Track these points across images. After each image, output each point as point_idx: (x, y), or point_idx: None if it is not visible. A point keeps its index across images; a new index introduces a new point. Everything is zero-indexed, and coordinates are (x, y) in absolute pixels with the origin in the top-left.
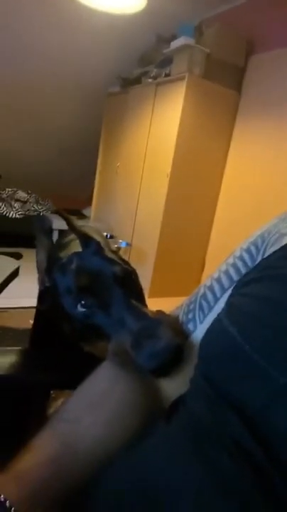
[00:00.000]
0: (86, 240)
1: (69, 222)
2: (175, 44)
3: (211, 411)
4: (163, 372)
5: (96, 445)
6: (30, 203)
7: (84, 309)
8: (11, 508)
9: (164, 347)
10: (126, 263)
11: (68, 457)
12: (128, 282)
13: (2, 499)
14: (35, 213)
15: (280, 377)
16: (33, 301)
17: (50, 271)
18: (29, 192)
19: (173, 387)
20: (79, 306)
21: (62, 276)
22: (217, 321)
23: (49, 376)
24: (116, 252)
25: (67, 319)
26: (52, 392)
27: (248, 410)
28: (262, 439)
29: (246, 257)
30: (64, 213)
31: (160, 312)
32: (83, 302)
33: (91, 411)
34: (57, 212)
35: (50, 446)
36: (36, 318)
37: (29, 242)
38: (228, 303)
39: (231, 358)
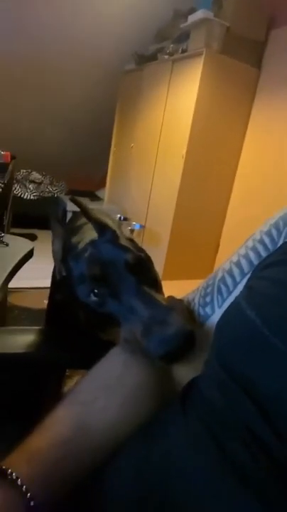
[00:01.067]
0: (101, 228)
1: (83, 210)
2: (192, 18)
3: (225, 397)
4: (173, 359)
5: (109, 428)
6: (44, 184)
7: (96, 298)
8: (22, 486)
9: (174, 333)
10: (141, 250)
11: (81, 439)
12: (141, 270)
13: (14, 477)
14: (50, 195)
15: None
16: (46, 282)
17: (65, 260)
18: (43, 173)
19: (186, 370)
20: (91, 294)
21: (76, 266)
22: (235, 303)
23: (64, 355)
24: (131, 239)
25: (82, 308)
26: (67, 370)
27: (263, 395)
28: (276, 427)
29: (266, 240)
30: (78, 200)
31: (171, 298)
32: (95, 291)
33: (104, 394)
34: (71, 198)
35: (63, 427)
36: (50, 299)
37: (43, 224)
38: (247, 286)
39: (248, 341)
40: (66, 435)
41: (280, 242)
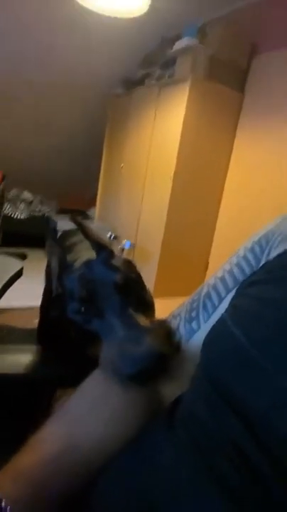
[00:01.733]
0: (99, 247)
1: (83, 230)
2: (178, 45)
3: (213, 415)
4: (143, 380)
5: (96, 446)
6: (35, 203)
7: (82, 316)
8: (6, 508)
9: (144, 353)
10: (135, 272)
11: (69, 456)
12: (130, 291)
13: None
14: (40, 214)
15: (285, 380)
16: (36, 301)
17: (60, 278)
18: (34, 193)
19: (173, 386)
20: (79, 312)
21: (69, 284)
22: (221, 321)
23: (54, 373)
24: (129, 260)
25: (72, 324)
26: (58, 392)
27: (251, 414)
28: (265, 446)
29: (250, 256)
30: (78, 220)
31: (158, 321)
32: (82, 309)
33: (89, 413)
34: (71, 218)
35: (50, 445)
36: (42, 317)
37: (34, 243)
38: (232, 304)
39: (234, 360)
40: (53, 453)
41: (263, 260)
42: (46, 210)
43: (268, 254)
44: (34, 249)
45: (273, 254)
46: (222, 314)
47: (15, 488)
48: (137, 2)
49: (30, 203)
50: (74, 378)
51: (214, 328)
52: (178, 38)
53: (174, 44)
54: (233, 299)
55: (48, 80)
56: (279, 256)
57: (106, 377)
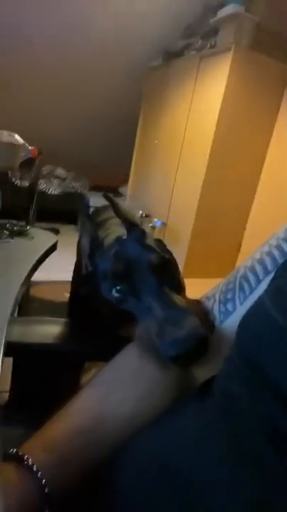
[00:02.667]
0: (130, 226)
1: (115, 207)
2: (222, 13)
3: (249, 392)
4: (184, 362)
5: (124, 421)
6: (68, 180)
7: (117, 295)
8: (37, 472)
9: (186, 335)
10: (167, 252)
11: (97, 430)
12: (164, 271)
13: (30, 463)
14: (73, 190)
15: None
16: (68, 275)
17: (92, 255)
18: (68, 169)
19: (205, 368)
20: (113, 291)
21: (102, 262)
22: (259, 302)
23: (85, 347)
24: (160, 240)
25: (104, 303)
26: (85, 363)
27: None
28: None
29: None
30: (110, 196)
31: (192, 302)
32: (117, 288)
33: (121, 387)
34: (104, 195)
35: (80, 417)
36: (72, 293)
37: (66, 219)
38: (271, 285)
39: (272, 341)
40: (82, 425)
41: None
42: (79, 186)
43: None
44: (66, 225)
45: None
46: (260, 295)
47: (45, 456)
48: None
49: (64, 179)
50: (102, 353)
51: (251, 309)
52: (222, 5)
53: (216, 12)
54: (272, 280)
55: (84, 53)
56: None
57: (140, 353)
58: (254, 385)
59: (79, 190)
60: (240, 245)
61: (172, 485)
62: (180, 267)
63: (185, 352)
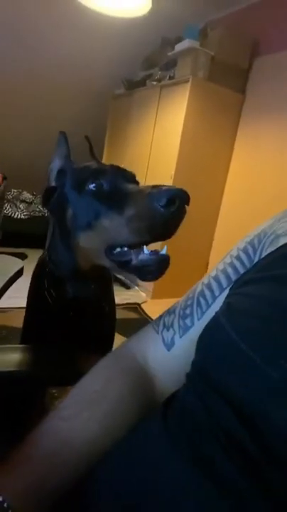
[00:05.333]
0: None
1: (91, 150)
2: (179, 47)
3: (205, 406)
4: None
5: (91, 442)
6: (35, 203)
7: (94, 188)
8: (3, 502)
9: (177, 189)
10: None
11: (64, 453)
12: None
13: None
14: (40, 214)
15: (274, 372)
16: None
17: (62, 174)
18: (34, 193)
19: (168, 384)
20: (91, 185)
21: (78, 172)
22: (215, 318)
23: (47, 372)
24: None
25: (70, 210)
26: (54, 391)
27: (245, 407)
28: (258, 436)
29: (243, 256)
30: (89, 139)
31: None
32: (94, 184)
33: (87, 408)
34: (86, 137)
35: (46, 441)
36: (26, 317)
37: (33, 243)
38: (226, 302)
39: (228, 356)
40: (50, 449)
41: (256, 259)
42: (46, 210)
43: (261, 253)
44: (34, 250)
45: (265, 253)
46: (216, 312)
47: (11, 482)
48: (139, 3)
49: (30, 203)
50: (64, 377)
51: (208, 325)
52: (179, 39)
53: (175, 45)
54: (227, 297)
55: (49, 82)
56: (270, 254)
57: (107, 373)
58: (211, 398)
59: (46, 214)
60: (207, 263)
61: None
62: (150, 288)
63: (178, 197)
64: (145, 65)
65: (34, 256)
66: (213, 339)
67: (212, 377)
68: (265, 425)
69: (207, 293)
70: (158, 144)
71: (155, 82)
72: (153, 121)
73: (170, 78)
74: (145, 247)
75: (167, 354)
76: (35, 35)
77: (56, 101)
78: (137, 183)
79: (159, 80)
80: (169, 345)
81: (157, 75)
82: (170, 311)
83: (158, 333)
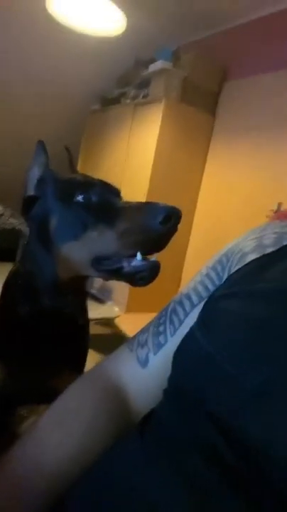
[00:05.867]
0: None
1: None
2: (153, 67)
3: (182, 420)
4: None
5: (64, 463)
6: (5, 216)
7: (82, 199)
8: None
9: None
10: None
11: (39, 474)
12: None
13: None
14: (11, 227)
15: (247, 383)
16: None
17: (42, 183)
18: (4, 206)
19: (144, 401)
20: (79, 197)
21: (64, 183)
22: (190, 333)
23: (17, 390)
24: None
25: (54, 220)
26: (24, 411)
27: (222, 418)
28: (236, 447)
29: (212, 274)
30: (69, 149)
31: None
32: (83, 195)
33: (60, 429)
34: (66, 147)
35: (18, 464)
36: None
37: (3, 256)
38: (200, 317)
39: (203, 369)
40: (21, 472)
41: (225, 277)
42: (17, 223)
43: (229, 271)
44: (3, 263)
45: (233, 270)
46: (191, 327)
47: None
48: (113, 23)
49: (1, 215)
50: (36, 396)
51: (183, 340)
52: (152, 60)
53: (148, 65)
54: (201, 312)
55: (26, 97)
56: (238, 271)
57: (81, 393)
58: (188, 411)
59: (16, 227)
60: (180, 278)
61: None
62: (124, 302)
63: (174, 214)
64: (120, 83)
65: (3, 270)
66: (189, 353)
67: (189, 391)
68: (241, 436)
69: (179, 310)
70: (132, 160)
71: (129, 100)
72: (127, 139)
73: (144, 97)
74: (138, 254)
75: (141, 372)
76: (14, 56)
77: (30, 114)
78: (121, 198)
79: (133, 98)
80: (143, 363)
81: (131, 93)
82: (143, 330)
83: (132, 351)
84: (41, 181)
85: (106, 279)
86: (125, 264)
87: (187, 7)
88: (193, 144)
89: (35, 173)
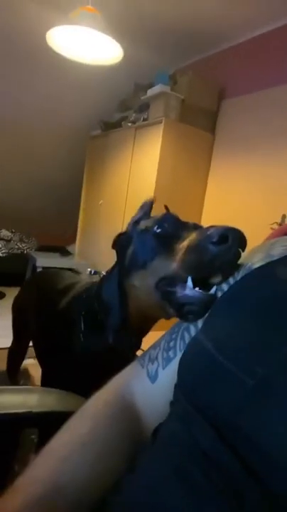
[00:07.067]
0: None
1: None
2: (151, 91)
3: (187, 427)
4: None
5: (84, 485)
6: (13, 241)
7: (156, 229)
8: None
9: (232, 228)
10: None
11: (57, 498)
12: None
13: None
14: (19, 251)
15: (249, 379)
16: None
17: (136, 224)
18: (13, 230)
19: (155, 416)
20: (155, 228)
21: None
22: (194, 339)
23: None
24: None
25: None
26: (33, 436)
27: (222, 418)
28: (235, 449)
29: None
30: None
31: None
32: (158, 226)
33: (78, 449)
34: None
35: (37, 486)
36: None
37: (12, 281)
38: (203, 322)
39: (206, 370)
40: (40, 494)
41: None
42: (25, 247)
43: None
44: (13, 288)
45: (238, 278)
46: (196, 332)
47: None
48: (111, 52)
49: (9, 241)
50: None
51: (188, 346)
52: (151, 84)
53: (147, 90)
54: (205, 318)
55: (28, 121)
56: (236, 282)
57: (94, 413)
58: (193, 418)
59: (25, 251)
60: None
61: None
62: None
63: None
64: (121, 107)
65: (12, 294)
66: (192, 355)
67: (192, 394)
68: (242, 439)
69: (192, 327)
70: (136, 181)
71: (130, 124)
72: (130, 161)
73: (144, 120)
74: (189, 280)
75: (152, 387)
76: (20, 88)
77: (35, 141)
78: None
79: (134, 122)
80: (153, 378)
81: (131, 117)
82: (155, 345)
83: (143, 367)
84: (136, 223)
85: (169, 315)
86: (178, 289)
87: (182, 32)
88: (194, 162)
89: (136, 217)
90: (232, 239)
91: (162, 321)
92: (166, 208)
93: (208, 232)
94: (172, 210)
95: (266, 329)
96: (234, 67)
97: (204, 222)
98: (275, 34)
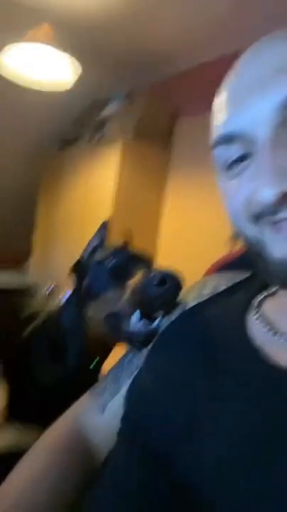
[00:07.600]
0: None
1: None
2: (107, 110)
3: (126, 463)
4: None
5: None
6: None
7: (108, 264)
8: None
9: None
10: None
11: None
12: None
13: None
14: None
15: (180, 416)
16: None
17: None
18: None
19: (105, 447)
20: (107, 262)
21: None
22: (139, 372)
23: None
24: None
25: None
26: None
27: (159, 452)
28: (170, 483)
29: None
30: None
31: None
32: (109, 260)
33: (31, 487)
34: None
35: None
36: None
37: None
38: (146, 355)
39: (145, 405)
40: None
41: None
42: None
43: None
44: None
45: (174, 318)
46: (141, 367)
47: None
48: (63, 76)
49: None
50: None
51: (134, 378)
52: (107, 102)
53: (104, 107)
54: (148, 351)
55: None
56: (176, 319)
57: (46, 451)
58: (132, 452)
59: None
60: None
61: None
62: None
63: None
64: (76, 125)
65: None
66: (134, 389)
67: (133, 427)
68: (176, 470)
69: (135, 360)
70: (92, 200)
71: (86, 142)
72: (86, 178)
73: (100, 138)
74: (135, 315)
75: (101, 418)
76: None
77: None
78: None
79: (90, 140)
80: (102, 409)
81: (87, 135)
82: (105, 377)
83: (94, 398)
84: (94, 249)
85: (112, 337)
86: (123, 325)
87: (138, 53)
88: (151, 180)
89: (93, 243)
90: (170, 281)
91: None
92: (126, 234)
93: (151, 275)
94: (129, 225)
95: (189, 367)
96: (189, 88)
97: (162, 240)
98: (225, 59)
